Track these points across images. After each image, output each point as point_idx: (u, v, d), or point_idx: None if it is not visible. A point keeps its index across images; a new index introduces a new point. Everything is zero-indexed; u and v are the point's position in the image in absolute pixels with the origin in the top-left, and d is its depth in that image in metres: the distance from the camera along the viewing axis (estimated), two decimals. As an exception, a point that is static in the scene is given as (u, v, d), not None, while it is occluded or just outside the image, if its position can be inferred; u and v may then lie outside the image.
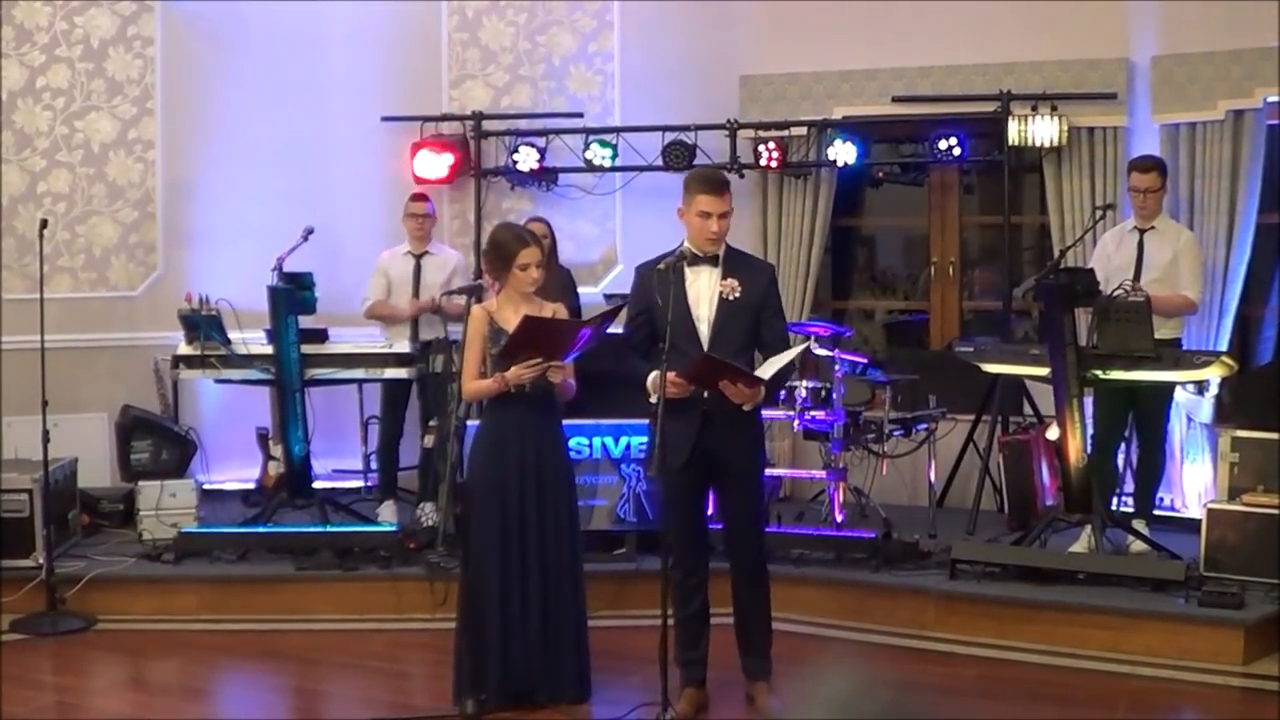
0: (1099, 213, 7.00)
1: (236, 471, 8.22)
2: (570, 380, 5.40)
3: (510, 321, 5.30)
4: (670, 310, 4.93)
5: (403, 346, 7.34)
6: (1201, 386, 6.64)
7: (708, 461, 5.08)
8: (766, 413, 6.76)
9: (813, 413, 7.02)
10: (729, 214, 5.08)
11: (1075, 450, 6.44)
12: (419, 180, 8.40)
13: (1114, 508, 6.84)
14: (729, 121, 8.12)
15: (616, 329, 5.41)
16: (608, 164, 8.23)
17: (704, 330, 5.04)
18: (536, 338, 5.17)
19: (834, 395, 6.99)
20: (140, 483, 7.40)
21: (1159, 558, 6.39)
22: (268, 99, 8.47)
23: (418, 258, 7.75)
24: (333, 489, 7.90)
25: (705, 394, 4.97)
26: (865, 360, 7.35)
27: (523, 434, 5.31)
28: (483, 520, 5.28)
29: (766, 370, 5.01)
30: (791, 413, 7.04)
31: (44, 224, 6.97)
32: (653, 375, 4.96)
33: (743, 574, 5.26)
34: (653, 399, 4.93)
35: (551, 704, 5.32)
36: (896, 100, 8.02)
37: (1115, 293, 6.42)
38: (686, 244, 5.09)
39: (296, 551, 6.81)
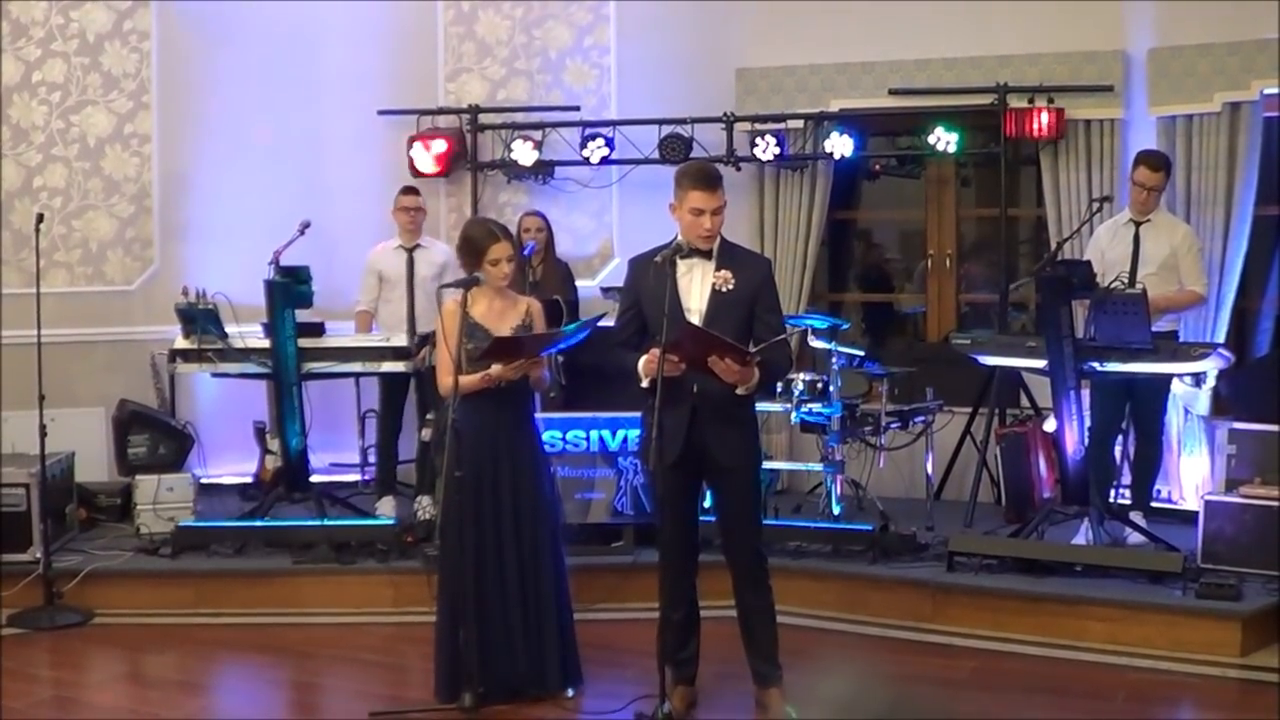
0: (1096, 205, 6.99)
1: (234, 465, 8.22)
2: (545, 372, 5.45)
3: (483, 315, 5.33)
4: (663, 302, 4.86)
5: (400, 340, 7.33)
6: (1198, 379, 6.65)
7: (700, 458, 5.00)
8: (764, 405, 6.78)
9: (810, 405, 7.01)
10: (722, 209, 4.98)
11: (1072, 442, 6.44)
12: (416, 174, 8.40)
13: (1111, 500, 6.84)
14: (725, 114, 8.11)
15: (610, 322, 5.39)
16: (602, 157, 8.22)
17: (694, 321, 4.94)
18: (506, 355, 5.20)
19: (831, 388, 6.99)
20: (137, 477, 7.41)
21: (1156, 550, 6.40)
22: (264, 93, 8.45)
23: (409, 251, 7.75)
24: (330, 483, 7.89)
25: (695, 387, 4.90)
26: (862, 353, 7.35)
27: (496, 426, 5.30)
28: (457, 514, 5.24)
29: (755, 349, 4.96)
30: (789, 405, 7.04)
31: (40, 218, 6.95)
32: (643, 359, 4.90)
33: (741, 574, 5.14)
34: (644, 383, 4.89)
35: (548, 697, 5.31)
36: (893, 93, 8.01)
37: (1112, 285, 6.42)
38: (680, 237, 5.06)
39: (293, 545, 6.82)
